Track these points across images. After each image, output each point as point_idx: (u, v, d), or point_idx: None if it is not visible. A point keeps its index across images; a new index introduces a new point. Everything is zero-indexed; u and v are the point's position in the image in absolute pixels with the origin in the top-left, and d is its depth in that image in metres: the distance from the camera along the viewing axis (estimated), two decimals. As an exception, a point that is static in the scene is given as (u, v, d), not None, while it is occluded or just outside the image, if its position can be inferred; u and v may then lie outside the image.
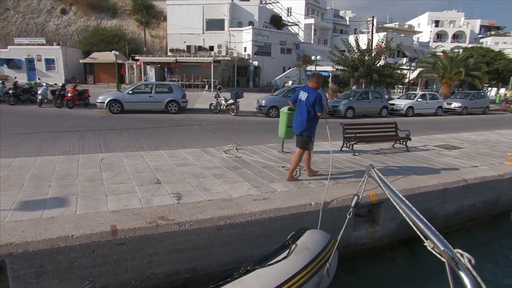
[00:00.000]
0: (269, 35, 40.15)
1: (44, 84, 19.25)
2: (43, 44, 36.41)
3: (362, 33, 42.27)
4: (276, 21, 45.47)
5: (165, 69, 35.48)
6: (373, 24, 34.32)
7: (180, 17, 39.15)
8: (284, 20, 47.91)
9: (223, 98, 17.39)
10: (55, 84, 25.15)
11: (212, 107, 17.48)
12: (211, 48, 39.69)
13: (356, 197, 3.33)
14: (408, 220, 2.32)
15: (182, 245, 3.96)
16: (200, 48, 39.66)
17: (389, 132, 9.18)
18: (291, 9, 50.72)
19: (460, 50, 36.85)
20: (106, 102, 15.66)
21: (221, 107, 17.29)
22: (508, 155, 8.45)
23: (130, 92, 16.24)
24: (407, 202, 2.43)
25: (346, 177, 6.24)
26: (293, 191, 5.19)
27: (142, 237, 3.76)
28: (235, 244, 4.27)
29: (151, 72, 34.00)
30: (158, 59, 35.16)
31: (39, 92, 17.94)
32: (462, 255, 1.93)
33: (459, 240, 6.32)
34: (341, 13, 67.61)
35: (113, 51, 28.98)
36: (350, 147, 8.42)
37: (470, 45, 47.11)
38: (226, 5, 39.73)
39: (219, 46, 39.22)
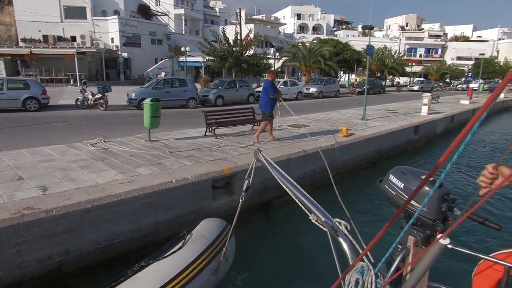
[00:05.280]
0: (138, 25, 38.94)
1: None
2: None
3: (233, 23, 44.13)
4: (144, 11, 44.22)
5: (18, 62, 31.54)
6: (240, 16, 36.30)
7: (31, 2, 34.88)
8: (153, 10, 46.86)
9: (89, 93, 16.68)
10: None
11: (78, 103, 16.60)
12: (73, 38, 36.59)
13: (246, 182, 3.24)
14: (294, 197, 2.40)
15: (51, 230, 4.28)
16: (60, 39, 36.17)
17: (248, 116, 10.42)
18: (159, -2, 49.77)
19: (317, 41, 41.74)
20: None
21: (89, 102, 16.58)
22: (339, 128, 10.54)
23: (-25, 89, 14.37)
24: (292, 181, 2.49)
25: (205, 156, 7.14)
26: (156, 173, 5.84)
27: (7, 228, 3.96)
28: (105, 224, 4.75)
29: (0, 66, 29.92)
30: (7, 51, 31.01)
31: None
32: (340, 223, 2.05)
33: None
34: (212, 3, 68.91)
35: None
36: (212, 131, 9.36)
37: (326, 37, 53.27)
38: (86, -8, 37.02)
39: (82, 37, 36.45)
